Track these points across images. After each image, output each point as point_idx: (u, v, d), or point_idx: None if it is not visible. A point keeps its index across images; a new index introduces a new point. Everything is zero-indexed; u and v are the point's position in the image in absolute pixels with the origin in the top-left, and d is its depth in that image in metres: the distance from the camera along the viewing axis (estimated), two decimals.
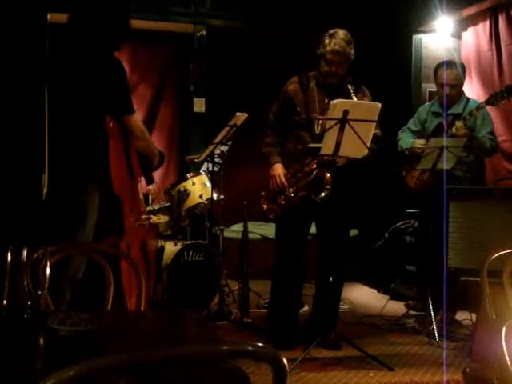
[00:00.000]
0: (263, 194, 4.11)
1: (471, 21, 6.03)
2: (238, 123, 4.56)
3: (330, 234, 4.03)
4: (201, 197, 4.92)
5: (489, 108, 4.48)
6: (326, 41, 3.91)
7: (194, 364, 1.23)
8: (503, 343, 1.79)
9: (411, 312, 4.82)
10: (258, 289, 5.25)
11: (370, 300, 5.67)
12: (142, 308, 2.48)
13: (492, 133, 4.55)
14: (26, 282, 1.90)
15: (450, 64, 4.61)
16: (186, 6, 6.51)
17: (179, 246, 4.74)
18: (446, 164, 4.22)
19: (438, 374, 3.62)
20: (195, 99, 6.60)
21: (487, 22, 5.81)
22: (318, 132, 3.90)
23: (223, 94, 6.71)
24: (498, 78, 5.68)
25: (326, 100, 3.90)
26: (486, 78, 5.80)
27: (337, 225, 4.01)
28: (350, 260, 4.28)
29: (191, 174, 5.06)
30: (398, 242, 5.87)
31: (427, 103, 4.97)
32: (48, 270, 1.91)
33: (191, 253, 4.76)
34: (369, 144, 3.59)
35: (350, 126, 3.54)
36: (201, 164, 5.24)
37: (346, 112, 3.52)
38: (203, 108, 6.60)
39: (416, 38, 6.59)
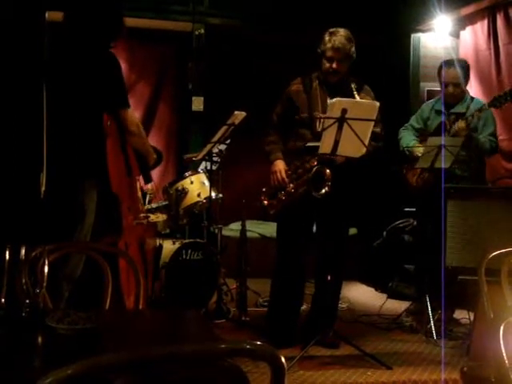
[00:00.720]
0: (264, 189, 4.14)
1: (469, 20, 6.03)
2: (236, 122, 4.56)
3: (330, 232, 4.04)
4: (199, 195, 4.92)
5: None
6: (327, 38, 3.96)
7: (193, 362, 1.24)
8: (501, 342, 1.79)
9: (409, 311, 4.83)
10: (256, 287, 5.25)
11: (368, 299, 5.67)
12: (140, 306, 2.48)
13: (493, 134, 4.55)
14: (24, 281, 1.90)
15: (453, 63, 4.60)
16: (185, 5, 6.51)
17: (177, 245, 4.73)
18: (443, 163, 4.22)
19: (436, 372, 3.62)
20: (193, 98, 6.60)
21: (485, 21, 5.82)
22: (319, 130, 3.90)
23: (221, 93, 6.70)
24: (496, 77, 5.69)
25: (329, 99, 3.93)
26: (484, 77, 5.80)
27: (336, 224, 4.03)
28: (348, 259, 4.29)
29: (189, 172, 5.06)
30: (397, 240, 5.88)
31: (430, 101, 4.94)
32: (46, 269, 1.91)
33: (189, 251, 4.75)
34: (367, 143, 3.59)
35: (349, 124, 3.54)
36: (199, 163, 5.23)
37: (344, 111, 3.53)
38: (201, 107, 6.60)
39: (414, 37, 6.60)
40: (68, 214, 3.14)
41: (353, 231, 6.48)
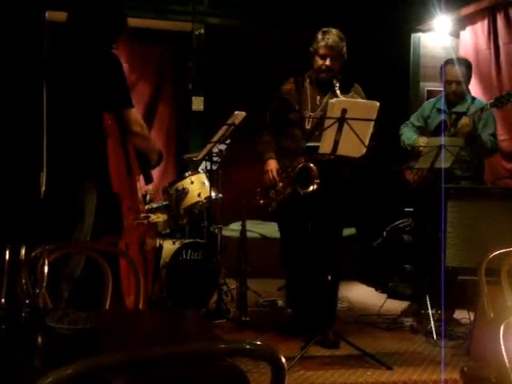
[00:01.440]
0: (259, 189, 4.28)
1: (469, 20, 6.03)
2: (237, 122, 4.56)
3: (323, 232, 4.08)
4: (199, 195, 4.92)
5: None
6: (320, 36, 4.07)
7: (193, 362, 1.23)
8: (501, 342, 1.79)
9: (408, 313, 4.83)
10: (256, 287, 5.25)
11: (368, 299, 5.67)
12: (140, 306, 2.48)
13: (494, 135, 4.55)
14: (24, 281, 1.90)
15: (455, 61, 4.61)
16: (185, 5, 6.51)
17: (177, 245, 4.73)
18: (443, 163, 4.22)
19: (436, 372, 3.62)
20: (193, 98, 6.60)
21: (485, 21, 5.82)
22: (308, 128, 4.04)
23: (221, 93, 6.70)
24: (496, 77, 5.69)
25: (318, 97, 4.09)
26: (484, 77, 5.80)
27: (329, 223, 4.06)
28: (348, 259, 4.31)
29: (189, 172, 5.06)
30: (396, 240, 5.87)
31: (432, 99, 4.95)
32: (46, 269, 1.91)
33: (189, 251, 4.76)
34: (367, 143, 3.60)
35: (349, 124, 3.55)
36: (199, 162, 5.23)
37: (344, 111, 3.54)
38: (201, 106, 6.60)
39: (414, 36, 6.60)
40: (68, 214, 3.13)
41: (352, 231, 6.49)
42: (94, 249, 2.65)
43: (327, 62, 4.04)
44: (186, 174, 5.05)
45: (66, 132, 3.18)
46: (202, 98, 6.60)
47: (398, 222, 5.95)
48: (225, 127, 4.57)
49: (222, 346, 1.19)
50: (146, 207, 4.57)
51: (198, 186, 4.96)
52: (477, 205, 4.06)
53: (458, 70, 4.53)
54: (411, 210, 5.41)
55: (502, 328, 1.80)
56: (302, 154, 3.95)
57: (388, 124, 4.19)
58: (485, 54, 5.83)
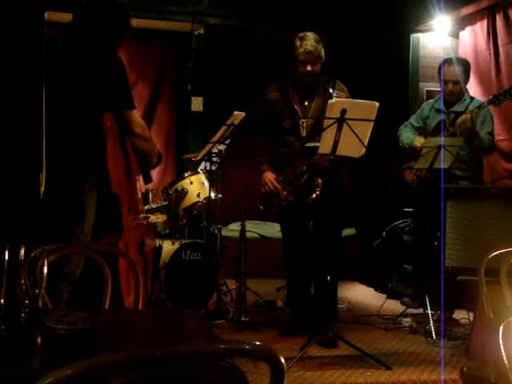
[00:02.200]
0: (259, 195, 4.33)
1: (469, 20, 6.04)
2: (236, 122, 4.56)
3: (324, 232, 4.13)
4: (198, 196, 4.92)
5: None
6: (298, 43, 4.16)
7: (192, 363, 1.23)
8: (500, 342, 1.79)
9: (408, 311, 4.82)
10: (255, 288, 5.25)
11: (368, 299, 5.67)
12: (140, 307, 2.48)
13: (491, 133, 4.55)
14: (23, 281, 1.90)
15: (453, 61, 4.61)
16: (184, 5, 6.51)
17: (177, 245, 4.73)
18: (443, 163, 4.22)
19: (436, 372, 3.62)
20: (193, 98, 6.60)
21: (485, 22, 5.82)
22: (304, 135, 4.15)
23: (221, 93, 6.71)
24: (496, 78, 5.69)
25: (307, 102, 4.18)
26: (484, 78, 5.80)
27: (329, 224, 4.12)
28: (347, 259, 4.32)
29: (189, 172, 5.06)
30: (396, 240, 5.87)
31: (431, 100, 4.95)
32: (46, 269, 1.91)
33: (189, 252, 4.76)
34: (366, 143, 3.60)
35: (348, 125, 3.55)
36: (198, 163, 5.23)
37: (343, 111, 3.54)
38: (201, 107, 6.60)
39: (414, 37, 6.60)
40: (68, 215, 3.13)
41: (352, 232, 6.49)
42: (94, 249, 2.65)
43: (308, 68, 4.12)
44: (186, 174, 5.05)
45: (66, 132, 3.18)
46: (202, 99, 6.60)
47: (397, 222, 5.95)
48: (224, 127, 4.57)
49: (221, 346, 1.19)
50: (146, 207, 4.57)
51: (197, 187, 4.96)
52: (476, 205, 4.06)
53: (455, 70, 4.53)
54: (411, 210, 5.41)
55: (501, 328, 1.80)
56: (301, 159, 4.01)
57: (387, 124, 4.19)
58: (484, 55, 5.84)
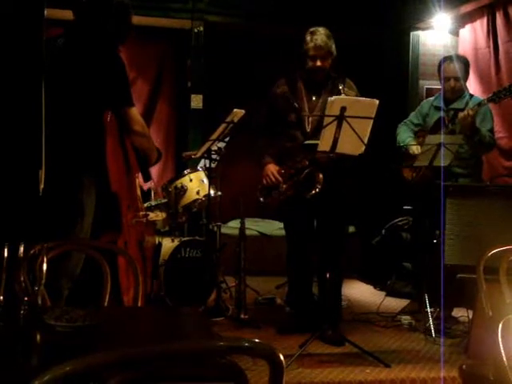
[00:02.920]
0: (259, 187, 4.29)
1: (469, 18, 6.03)
2: (235, 120, 4.56)
3: (328, 231, 4.13)
4: (198, 193, 4.92)
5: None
6: (308, 38, 4.09)
7: (191, 360, 1.23)
8: (499, 340, 1.79)
9: (407, 309, 4.83)
10: (255, 285, 5.25)
11: (367, 296, 5.68)
12: (139, 304, 2.48)
13: (491, 130, 4.55)
14: (22, 278, 1.90)
15: (454, 58, 4.62)
16: (184, 2, 6.50)
17: (176, 243, 4.73)
18: (442, 161, 4.22)
19: (435, 370, 3.63)
20: (192, 95, 6.60)
21: (484, 19, 5.82)
22: (308, 130, 4.09)
23: (220, 91, 6.70)
24: (495, 76, 5.69)
25: (314, 97, 4.11)
26: (483, 75, 5.80)
27: (334, 222, 4.09)
28: (346, 256, 4.31)
29: (188, 170, 5.06)
30: (395, 238, 5.87)
31: (431, 98, 4.96)
32: (45, 266, 1.91)
33: (188, 249, 4.76)
34: (366, 141, 3.60)
35: (348, 122, 3.55)
36: (198, 160, 5.23)
37: (343, 109, 3.54)
38: (200, 104, 6.59)
39: (413, 34, 6.59)
40: (67, 212, 3.13)
41: (351, 229, 6.49)
42: (93, 246, 2.65)
43: (318, 63, 4.06)
44: (185, 171, 5.05)
45: (65, 130, 3.18)
46: (201, 96, 6.59)
47: (396, 220, 5.95)
48: (224, 125, 4.57)
49: (221, 343, 1.19)
50: (146, 205, 4.57)
51: (196, 184, 4.96)
52: (475, 203, 4.06)
53: (456, 67, 4.54)
54: (410, 207, 5.41)
55: (500, 326, 1.80)
56: (303, 155, 3.97)
57: (387, 122, 4.19)
58: (484, 53, 5.83)
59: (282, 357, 1.20)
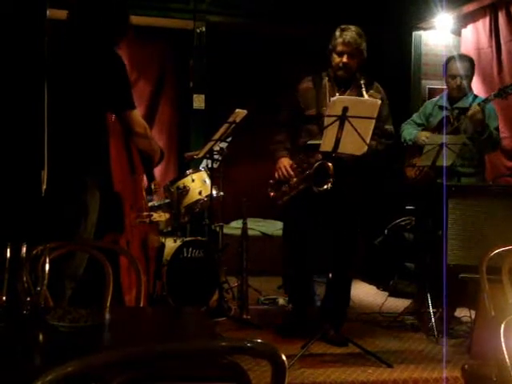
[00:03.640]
0: (271, 181, 4.20)
1: (471, 17, 6.03)
2: (238, 120, 4.56)
3: (337, 234, 4.04)
4: (200, 193, 4.92)
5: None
6: (338, 33, 4.00)
7: (193, 360, 1.24)
8: (502, 340, 1.79)
9: (410, 309, 4.82)
10: (257, 285, 5.25)
11: (369, 296, 5.67)
12: (141, 304, 2.48)
13: (497, 129, 4.57)
14: (25, 279, 1.90)
15: (459, 56, 4.64)
16: (186, 3, 6.50)
17: (179, 243, 4.74)
18: (445, 161, 4.22)
19: (437, 370, 3.62)
20: (195, 96, 6.60)
21: (487, 19, 5.81)
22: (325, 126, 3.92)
23: (223, 91, 6.70)
24: (498, 75, 5.68)
25: (337, 94, 3.98)
26: (486, 75, 5.80)
27: (343, 225, 4.03)
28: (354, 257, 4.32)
29: (190, 170, 5.06)
30: (398, 238, 5.87)
31: (434, 98, 4.97)
32: (47, 267, 1.91)
33: (191, 249, 4.76)
34: (368, 141, 3.60)
35: (350, 122, 3.54)
36: (200, 160, 5.23)
37: (345, 109, 3.53)
38: (203, 104, 6.59)
39: (416, 34, 6.59)
40: (70, 212, 3.14)
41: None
42: (95, 246, 2.66)
43: (344, 59, 3.96)
44: (187, 172, 5.05)
45: (68, 130, 3.18)
46: (203, 96, 6.59)
47: (399, 220, 5.94)
48: (226, 125, 4.57)
49: (223, 343, 1.19)
50: (150, 204, 4.58)
51: (199, 184, 4.96)
52: (478, 203, 4.06)
53: (460, 65, 4.54)
54: (413, 207, 5.41)
55: (502, 326, 1.80)
56: (319, 151, 3.83)
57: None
58: (486, 52, 5.83)
59: (284, 357, 1.20)
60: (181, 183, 4.93)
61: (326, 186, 3.70)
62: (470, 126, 4.48)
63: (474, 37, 5.98)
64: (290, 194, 4.07)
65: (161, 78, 6.96)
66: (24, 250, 1.94)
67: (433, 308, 4.28)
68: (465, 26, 6.14)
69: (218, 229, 5.09)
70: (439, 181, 4.34)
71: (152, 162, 3.48)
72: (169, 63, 7.00)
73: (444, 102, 4.69)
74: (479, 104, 4.33)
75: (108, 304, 2.41)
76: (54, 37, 3.25)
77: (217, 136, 4.62)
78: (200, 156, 4.85)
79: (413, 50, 6.59)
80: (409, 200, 5.53)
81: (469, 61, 4.62)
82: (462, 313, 4.59)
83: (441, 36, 6.49)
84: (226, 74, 6.90)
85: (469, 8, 5.87)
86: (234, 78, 6.91)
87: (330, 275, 3.97)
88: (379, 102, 3.65)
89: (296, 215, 4.13)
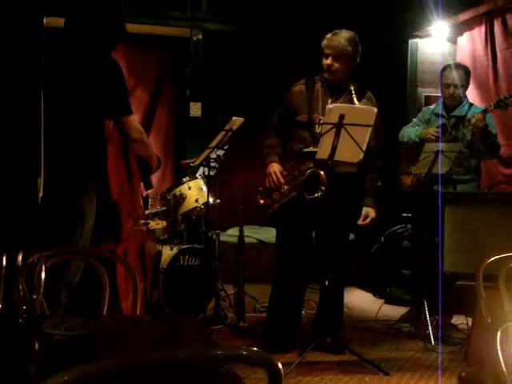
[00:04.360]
0: (260, 189, 4.14)
1: (467, 26, 6.05)
2: (234, 127, 4.57)
3: (330, 241, 4.03)
4: (197, 201, 4.92)
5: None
6: (328, 36, 4.00)
7: (189, 368, 1.23)
8: (498, 347, 1.79)
9: (407, 316, 4.82)
10: (253, 293, 5.25)
11: (366, 304, 5.67)
12: (138, 312, 2.48)
13: (496, 136, 4.60)
14: (21, 287, 1.90)
15: (454, 66, 4.67)
16: (183, 11, 6.52)
17: (175, 251, 4.73)
18: (441, 168, 4.23)
19: (434, 378, 3.62)
20: (191, 103, 6.61)
21: (482, 27, 5.83)
22: (318, 131, 3.88)
23: (219, 99, 6.71)
24: (493, 83, 5.70)
25: (330, 100, 3.95)
26: (482, 83, 5.81)
27: (337, 230, 4.02)
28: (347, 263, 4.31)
29: (187, 178, 5.06)
30: (394, 246, 5.88)
31: (431, 106, 5.00)
32: (43, 275, 1.91)
33: (187, 257, 4.75)
34: (364, 148, 3.60)
35: (346, 130, 3.55)
36: (197, 168, 5.23)
37: (341, 116, 3.54)
38: (199, 112, 6.60)
39: (412, 42, 6.61)
40: (67, 219, 3.13)
41: (350, 236, 6.48)
42: (92, 254, 2.65)
43: (328, 61, 3.94)
44: (184, 179, 5.05)
45: (66, 137, 3.18)
46: (200, 104, 6.60)
47: (395, 228, 5.95)
48: (222, 133, 4.58)
49: (219, 352, 1.19)
50: (146, 212, 4.58)
51: (195, 192, 4.96)
52: (474, 210, 4.07)
53: (455, 74, 4.57)
54: (409, 215, 5.42)
55: (498, 334, 1.80)
56: (310, 158, 3.82)
57: (385, 129, 4.19)
58: (482, 60, 5.85)
59: (279, 365, 1.19)
60: (177, 191, 4.93)
61: (317, 194, 3.67)
62: (467, 135, 4.50)
63: (470, 45, 6.00)
64: (280, 201, 4.00)
65: (158, 85, 6.97)
66: (20, 257, 1.93)
67: (429, 315, 4.28)
68: (461, 34, 6.16)
69: (214, 236, 5.09)
70: (435, 188, 4.35)
71: (149, 169, 3.48)
72: (166, 71, 7.01)
73: (440, 110, 4.71)
74: (479, 113, 4.36)
75: (105, 312, 2.41)
76: (51, 44, 3.25)
77: (213, 144, 4.63)
78: (197, 164, 4.85)
79: (409, 58, 6.61)
80: (405, 207, 5.54)
81: (463, 70, 4.65)
82: (459, 320, 4.59)
83: (437, 44, 6.52)
84: (222, 82, 6.91)
85: (465, 16, 5.89)
86: (231, 86, 6.92)
87: (324, 283, 3.96)
88: (375, 109, 3.66)
89: (287, 223, 4.06)
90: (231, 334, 4.48)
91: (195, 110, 6.60)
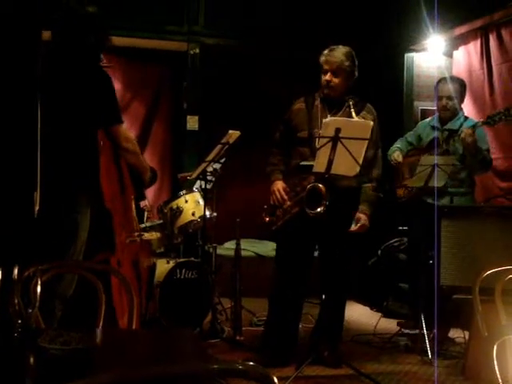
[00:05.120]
0: (265, 207, 4.14)
1: (462, 40, 6.08)
2: (231, 141, 4.58)
3: (332, 255, 4.02)
4: (193, 214, 4.92)
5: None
6: (325, 52, 4.03)
7: (185, 383, 1.23)
8: (494, 361, 1.78)
9: (404, 330, 4.81)
10: (250, 307, 5.23)
11: (363, 317, 5.66)
12: (134, 326, 2.47)
13: (488, 150, 4.60)
14: (16, 301, 1.89)
15: (449, 79, 4.71)
16: (180, 25, 6.56)
17: (172, 264, 4.72)
18: (437, 182, 4.24)
19: None
20: (188, 117, 6.62)
21: (478, 41, 5.87)
22: (318, 146, 3.82)
23: (216, 112, 6.73)
24: (489, 97, 5.73)
25: (329, 115, 3.96)
26: (477, 97, 5.84)
27: (338, 246, 4.01)
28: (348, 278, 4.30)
29: (184, 191, 5.06)
30: (391, 259, 5.87)
31: (428, 119, 5.02)
32: (39, 289, 1.90)
33: (184, 270, 4.74)
34: (361, 162, 3.60)
35: (342, 143, 3.56)
36: (194, 181, 5.24)
37: (337, 130, 3.55)
38: (196, 126, 6.62)
39: (408, 56, 6.65)
40: (61, 231, 3.13)
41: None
42: (87, 267, 2.64)
43: (327, 77, 3.96)
44: (181, 192, 5.05)
45: (58, 149, 3.18)
46: (197, 117, 6.62)
47: (392, 241, 5.95)
48: (219, 146, 4.59)
49: (215, 366, 1.18)
50: (142, 226, 4.57)
51: (192, 205, 4.96)
52: (471, 223, 4.07)
53: (450, 87, 4.60)
54: (406, 228, 5.42)
55: (495, 347, 1.80)
56: (311, 173, 3.82)
57: (382, 143, 4.21)
58: (478, 74, 5.88)
59: (275, 379, 1.19)
60: (174, 204, 4.93)
61: (319, 209, 3.67)
62: (459, 148, 4.52)
63: (466, 59, 6.04)
64: (283, 218, 4.02)
65: (155, 99, 6.99)
66: (15, 271, 1.93)
67: (426, 329, 4.27)
68: (456, 48, 6.20)
69: (211, 250, 5.08)
70: (430, 201, 4.36)
71: (142, 179, 3.47)
72: (163, 85, 7.03)
73: (435, 123, 4.74)
74: (469, 128, 4.36)
75: (100, 326, 2.40)
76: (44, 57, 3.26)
77: (210, 157, 4.64)
78: (193, 177, 4.86)
79: (405, 72, 6.64)
80: (401, 221, 5.54)
81: (458, 83, 4.67)
82: (456, 334, 4.58)
83: (433, 58, 6.55)
84: (219, 96, 6.93)
85: (460, 30, 5.93)
86: (228, 100, 6.94)
87: (324, 296, 3.95)
88: (371, 123, 3.67)
89: (289, 238, 4.06)
90: (228, 348, 4.46)
91: (192, 123, 6.61)
